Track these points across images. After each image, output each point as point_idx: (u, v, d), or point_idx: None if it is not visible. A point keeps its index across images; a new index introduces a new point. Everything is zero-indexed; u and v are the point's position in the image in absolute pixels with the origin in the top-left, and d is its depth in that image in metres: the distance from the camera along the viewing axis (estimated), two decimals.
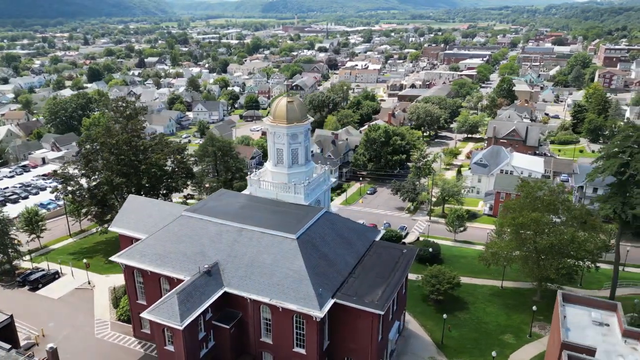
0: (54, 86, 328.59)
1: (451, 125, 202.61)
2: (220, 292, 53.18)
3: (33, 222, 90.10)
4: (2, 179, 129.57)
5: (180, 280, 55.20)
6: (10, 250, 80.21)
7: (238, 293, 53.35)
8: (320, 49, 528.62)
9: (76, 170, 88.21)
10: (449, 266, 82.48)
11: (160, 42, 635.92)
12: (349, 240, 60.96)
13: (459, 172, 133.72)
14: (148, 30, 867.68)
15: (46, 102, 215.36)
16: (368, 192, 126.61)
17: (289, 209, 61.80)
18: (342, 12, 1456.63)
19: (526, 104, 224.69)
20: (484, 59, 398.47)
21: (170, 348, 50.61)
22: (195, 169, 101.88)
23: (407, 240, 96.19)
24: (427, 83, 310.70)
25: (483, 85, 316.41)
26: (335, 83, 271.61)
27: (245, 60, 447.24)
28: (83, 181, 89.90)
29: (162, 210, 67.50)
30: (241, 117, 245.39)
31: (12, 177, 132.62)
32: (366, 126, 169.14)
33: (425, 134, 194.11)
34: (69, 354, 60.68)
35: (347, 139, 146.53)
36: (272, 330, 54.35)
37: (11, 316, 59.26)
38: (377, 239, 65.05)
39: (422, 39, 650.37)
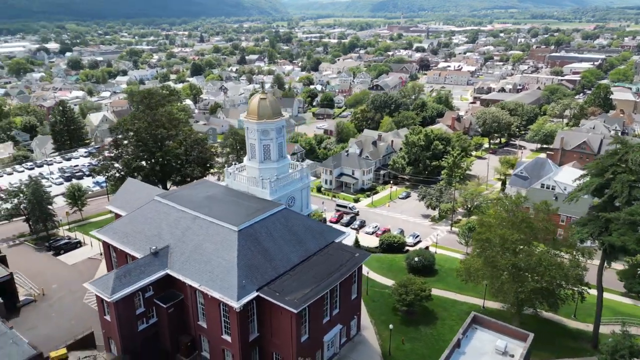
0: (161, 79, 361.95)
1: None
2: (161, 273, 56.88)
3: (76, 196, 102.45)
4: (78, 158, 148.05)
5: (136, 258, 60.02)
6: (47, 219, 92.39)
7: (176, 276, 56.72)
8: (418, 49, 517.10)
9: (111, 154, 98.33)
10: (440, 278, 78.73)
11: (266, 40, 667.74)
12: (301, 239, 61.19)
13: (503, 183, 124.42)
14: (259, 29, 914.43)
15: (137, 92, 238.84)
16: (400, 196, 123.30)
17: (250, 203, 63.75)
18: (454, 12, 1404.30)
19: (621, 115, 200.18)
20: (595, 63, 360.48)
21: (108, 318, 55.59)
22: (220, 159, 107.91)
23: (413, 248, 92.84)
24: (519, 87, 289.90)
25: (588, 92, 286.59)
26: (415, 83, 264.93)
27: (338, 60, 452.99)
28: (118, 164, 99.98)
29: (149, 194, 73.11)
30: (314, 114, 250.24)
31: (87, 156, 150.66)
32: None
33: (494, 141, 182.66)
34: (54, 313, 68.98)
35: (392, 141, 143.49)
36: (206, 315, 56.92)
37: (11, 274, 68.82)
38: (338, 240, 64.41)
39: (533, 40, 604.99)
